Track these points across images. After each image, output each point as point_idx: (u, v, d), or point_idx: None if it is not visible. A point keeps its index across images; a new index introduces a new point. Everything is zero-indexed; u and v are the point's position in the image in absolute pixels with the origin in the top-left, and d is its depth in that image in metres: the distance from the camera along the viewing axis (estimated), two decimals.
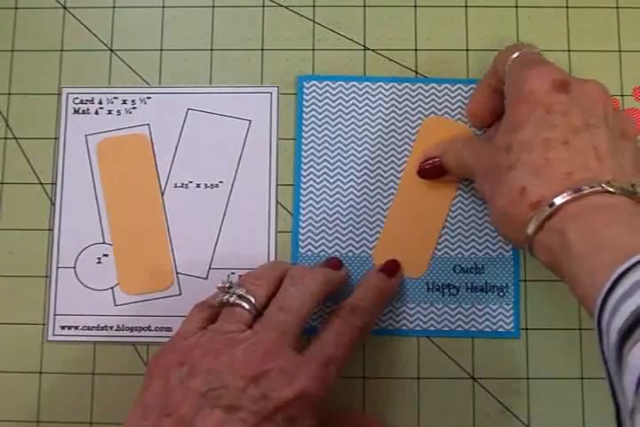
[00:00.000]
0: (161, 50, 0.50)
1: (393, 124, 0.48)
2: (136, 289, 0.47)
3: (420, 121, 0.48)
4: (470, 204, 0.47)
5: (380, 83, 0.49)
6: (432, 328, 0.46)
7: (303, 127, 0.48)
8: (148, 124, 0.49)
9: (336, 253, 0.47)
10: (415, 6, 0.50)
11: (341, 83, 0.49)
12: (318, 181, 0.48)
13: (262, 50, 0.50)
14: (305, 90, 0.49)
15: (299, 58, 0.49)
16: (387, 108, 0.48)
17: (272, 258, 0.47)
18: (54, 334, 0.47)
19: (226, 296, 0.40)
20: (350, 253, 0.47)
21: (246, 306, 0.40)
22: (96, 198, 0.48)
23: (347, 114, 0.48)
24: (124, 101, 0.49)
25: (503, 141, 0.37)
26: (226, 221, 0.48)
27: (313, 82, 0.49)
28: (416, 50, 0.49)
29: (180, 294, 0.47)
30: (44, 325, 0.47)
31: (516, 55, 0.41)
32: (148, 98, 0.49)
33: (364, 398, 0.46)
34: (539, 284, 0.46)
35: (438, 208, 0.47)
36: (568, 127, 0.36)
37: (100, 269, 0.48)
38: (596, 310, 0.29)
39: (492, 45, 0.49)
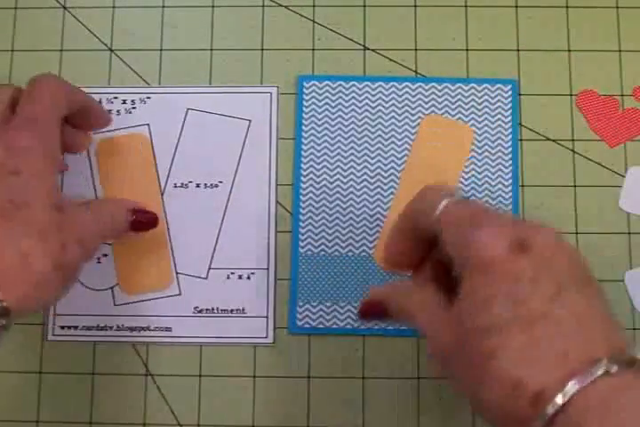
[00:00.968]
0: (161, 50, 0.50)
1: (393, 123, 0.48)
2: (136, 289, 0.47)
3: (419, 120, 0.48)
4: None
5: (380, 82, 0.49)
6: None
7: (303, 127, 0.48)
8: (147, 124, 0.49)
9: (336, 253, 0.47)
10: (415, 6, 0.50)
11: (341, 83, 0.49)
12: (318, 180, 0.48)
13: (262, 50, 0.50)
14: (305, 90, 0.49)
15: (299, 58, 0.49)
16: (387, 108, 0.48)
17: (272, 258, 0.47)
18: (54, 334, 0.47)
19: None
20: (350, 253, 0.47)
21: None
22: (96, 198, 0.48)
23: (346, 114, 0.48)
24: (124, 101, 0.49)
25: (474, 323, 0.31)
26: (226, 221, 0.48)
27: (313, 82, 0.49)
28: (416, 50, 0.50)
29: (179, 294, 0.47)
30: (43, 325, 0.47)
31: (444, 204, 0.34)
32: (148, 98, 0.49)
33: (364, 398, 0.46)
34: None
35: None
36: (541, 296, 0.30)
37: (100, 270, 0.48)
38: None
39: (492, 45, 0.49)
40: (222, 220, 0.48)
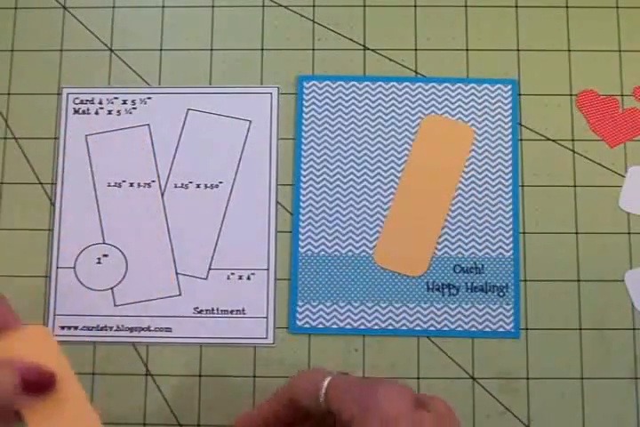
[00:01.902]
0: (161, 50, 0.50)
1: (393, 123, 0.48)
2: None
3: (419, 120, 0.48)
4: (470, 204, 0.47)
5: (380, 82, 0.49)
6: (432, 328, 0.46)
7: (303, 127, 0.48)
8: (148, 125, 0.49)
9: (336, 253, 0.47)
10: (415, 6, 0.50)
11: (341, 83, 0.49)
12: (318, 180, 0.48)
13: (262, 50, 0.50)
14: (305, 90, 0.49)
15: (299, 58, 0.49)
16: (387, 108, 0.48)
17: (272, 258, 0.47)
18: (54, 334, 0.47)
19: None
20: (350, 253, 0.47)
21: None
22: (96, 198, 0.48)
23: (346, 114, 0.48)
24: (124, 102, 0.49)
25: None
26: (226, 221, 0.48)
27: (313, 82, 0.49)
28: (416, 50, 0.50)
29: (179, 295, 0.47)
30: (43, 325, 0.47)
31: (328, 381, 0.34)
32: (148, 98, 0.49)
33: None
34: (539, 284, 0.46)
35: (438, 208, 0.47)
36: None
37: (100, 270, 0.48)
38: None
39: (492, 45, 0.49)
40: (222, 220, 0.48)
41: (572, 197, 0.48)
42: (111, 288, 0.47)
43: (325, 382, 0.33)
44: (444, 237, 0.47)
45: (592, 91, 0.49)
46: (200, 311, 0.47)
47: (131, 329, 0.47)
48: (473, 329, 0.46)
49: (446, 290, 0.46)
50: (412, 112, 0.48)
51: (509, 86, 0.49)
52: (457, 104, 0.48)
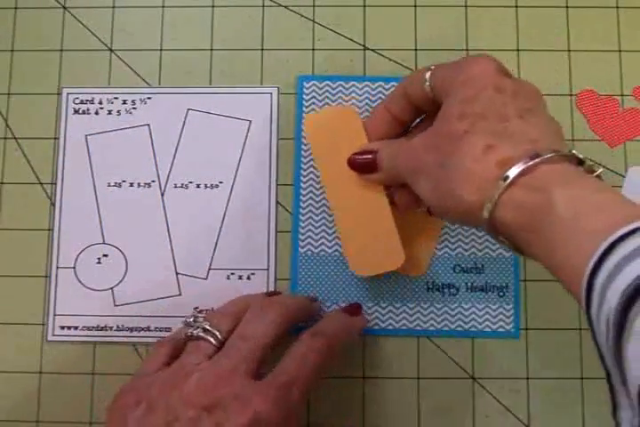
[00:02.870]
0: (161, 50, 0.50)
1: None
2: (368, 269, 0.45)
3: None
4: None
5: (380, 82, 0.49)
6: (432, 328, 0.46)
7: (303, 128, 0.48)
8: (148, 125, 0.49)
9: (336, 253, 0.47)
10: (415, 6, 0.50)
11: (341, 83, 0.49)
12: (318, 180, 0.48)
13: (262, 50, 0.50)
14: (305, 90, 0.49)
15: (299, 58, 0.49)
16: None
17: (272, 258, 0.47)
18: (54, 334, 0.47)
19: (190, 330, 0.40)
20: None
21: (210, 339, 0.39)
22: (96, 198, 0.48)
23: None
24: (124, 102, 0.49)
25: (453, 112, 0.35)
26: (226, 221, 0.48)
27: (313, 82, 0.49)
28: (416, 50, 0.50)
29: (179, 295, 0.47)
30: (43, 325, 0.47)
31: (429, 72, 0.39)
32: (148, 98, 0.49)
33: (364, 398, 0.46)
34: (539, 284, 0.47)
35: None
36: (520, 107, 0.35)
37: (100, 270, 0.48)
38: (587, 271, 0.28)
39: (492, 45, 0.49)
40: (222, 220, 0.48)
41: None
42: (111, 288, 0.47)
43: (429, 72, 0.39)
44: (443, 236, 0.47)
45: (592, 91, 0.49)
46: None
47: (131, 329, 0.47)
48: (473, 329, 0.46)
49: (446, 290, 0.46)
50: None
51: None
52: None
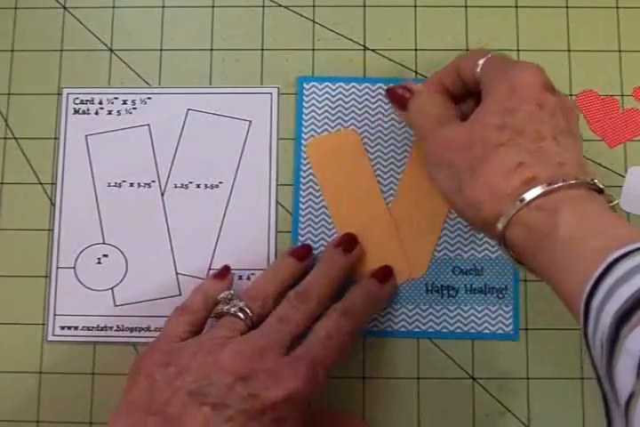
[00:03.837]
0: (161, 50, 0.50)
1: (392, 125, 0.48)
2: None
3: None
4: None
5: (380, 84, 0.49)
6: (431, 330, 0.46)
7: (303, 128, 0.48)
8: (148, 125, 0.49)
9: None
10: (415, 6, 0.50)
11: (341, 84, 0.49)
12: (318, 181, 0.48)
13: (262, 50, 0.50)
14: (305, 91, 0.49)
15: (299, 58, 0.49)
16: (386, 109, 0.48)
17: (272, 258, 0.47)
18: (54, 334, 0.47)
19: (227, 306, 0.41)
20: None
21: (244, 318, 0.41)
22: (96, 198, 0.48)
23: (346, 115, 0.48)
24: (125, 102, 0.49)
25: (494, 120, 0.37)
26: (226, 222, 0.48)
27: (313, 83, 0.49)
28: (416, 50, 0.49)
29: (179, 295, 0.47)
30: (43, 325, 0.47)
31: (484, 59, 0.40)
32: (148, 98, 0.49)
33: (364, 398, 0.46)
34: (538, 284, 0.46)
35: (438, 209, 0.47)
36: (555, 126, 0.36)
37: (100, 270, 0.48)
38: (585, 292, 0.29)
39: (492, 45, 0.49)
40: (222, 220, 0.48)
41: None
42: (111, 288, 0.48)
43: (484, 59, 0.40)
44: (443, 238, 0.47)
45: (592, 91, 0.49)
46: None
47: (131, 329, 0.47)
48: (472, 331, 0.46)
49: (445, 292, 0.46)
50: None
51: None
52: None
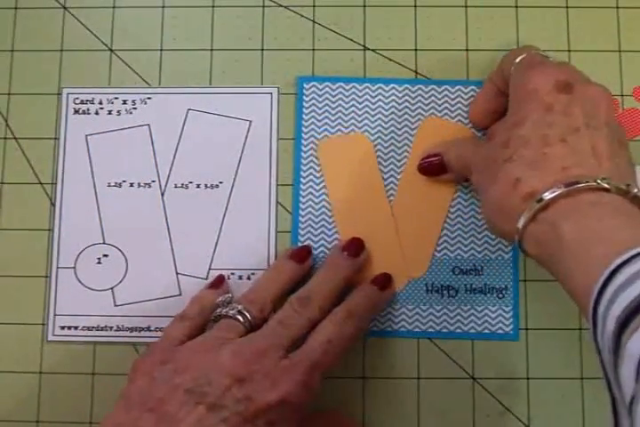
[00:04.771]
0: (161, 50, 0.50)
1: (392, 125, 0.48)
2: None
3: (419, 122, 0.48)
4: (470, 205, 0.47)
5: (380, 84, 0.49)
6: (431, 330, 0.46)
7: (303, 128, 0.48)
8: (148, 125, 0.49)
9: None
10: (415, 6, 0.50)
11: (341, 84, 0.49)
12: (318, 181, 0.48)
13: (262, 50, 0.50)
14: (305, 91, 0.49)
15: (299, 58, 0.49)
16: (386, 110, 0.48)
17: (272, 258, 0.47)
18: (54, 334, 0.47)
19: (225, 309, 0.42)
20: None
21: (243, 321, 0.41)
22: (96, 198, 0.48)
23: (346, 115, 0.48)
24: (125, 102, 0.49)
25: (501, 137, 0.38)
26: (226, 221, 0.48)
27: (313, 83, 0.49)
28: (416, 50, 0.49)
29: (179, 295, 0.47)
30: (43, 325, 0.47)
31: (522, 57, 0.41)
32: (149, 98, 0.49)
33: (364, 398, 0.46)
34: (538, 284, 0.47)
35: (438, 209, 0.47)
36: (567, 126, 0.36)
37: (100, 270, 0.48)
38: (592, 299, 0.29)
39: (492, 45, 0.49)
40: (222, 220, 0.48)
41: None
42: (111, 288, 0.48)
43: (521, 57, 0.41)
44: (443, 238, 0.47)
45: None
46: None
47: (131, 329, 0.47)
48: (472, 331, 0.46)
49: (445, 292, 0.46)
50: (412, 114, 0.48)
51: None
52: (457, 106, 0.48)
